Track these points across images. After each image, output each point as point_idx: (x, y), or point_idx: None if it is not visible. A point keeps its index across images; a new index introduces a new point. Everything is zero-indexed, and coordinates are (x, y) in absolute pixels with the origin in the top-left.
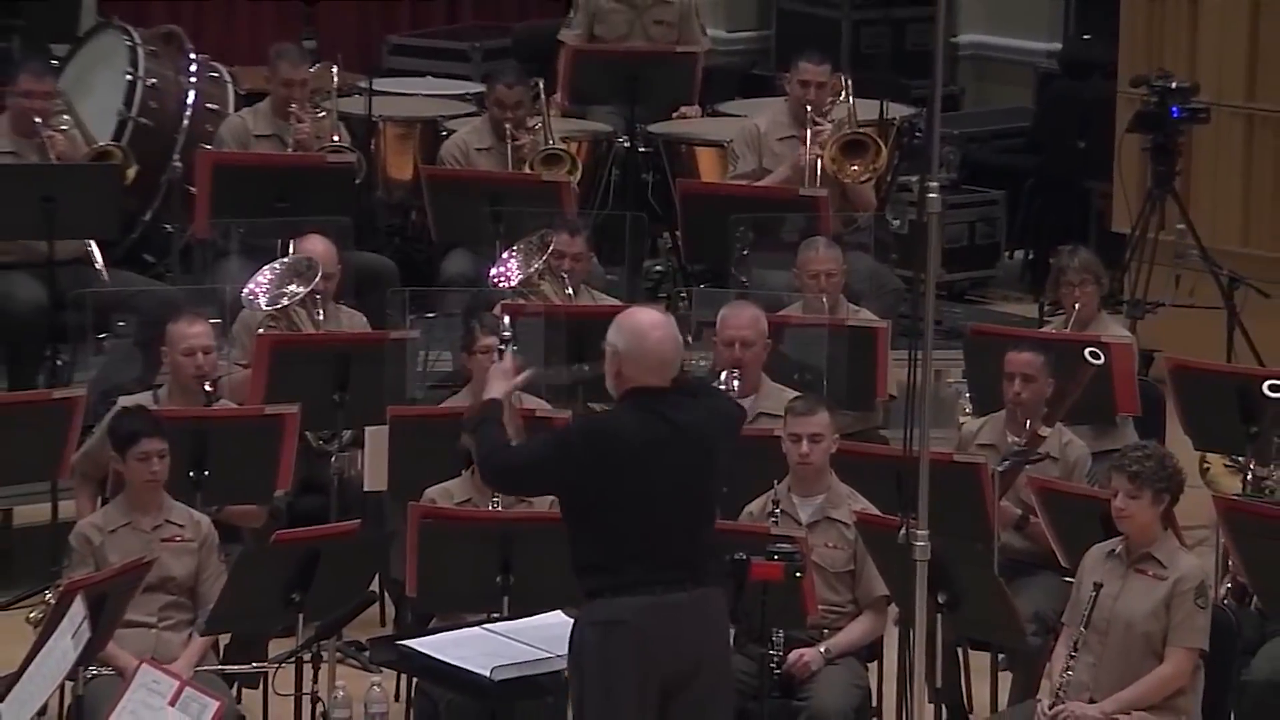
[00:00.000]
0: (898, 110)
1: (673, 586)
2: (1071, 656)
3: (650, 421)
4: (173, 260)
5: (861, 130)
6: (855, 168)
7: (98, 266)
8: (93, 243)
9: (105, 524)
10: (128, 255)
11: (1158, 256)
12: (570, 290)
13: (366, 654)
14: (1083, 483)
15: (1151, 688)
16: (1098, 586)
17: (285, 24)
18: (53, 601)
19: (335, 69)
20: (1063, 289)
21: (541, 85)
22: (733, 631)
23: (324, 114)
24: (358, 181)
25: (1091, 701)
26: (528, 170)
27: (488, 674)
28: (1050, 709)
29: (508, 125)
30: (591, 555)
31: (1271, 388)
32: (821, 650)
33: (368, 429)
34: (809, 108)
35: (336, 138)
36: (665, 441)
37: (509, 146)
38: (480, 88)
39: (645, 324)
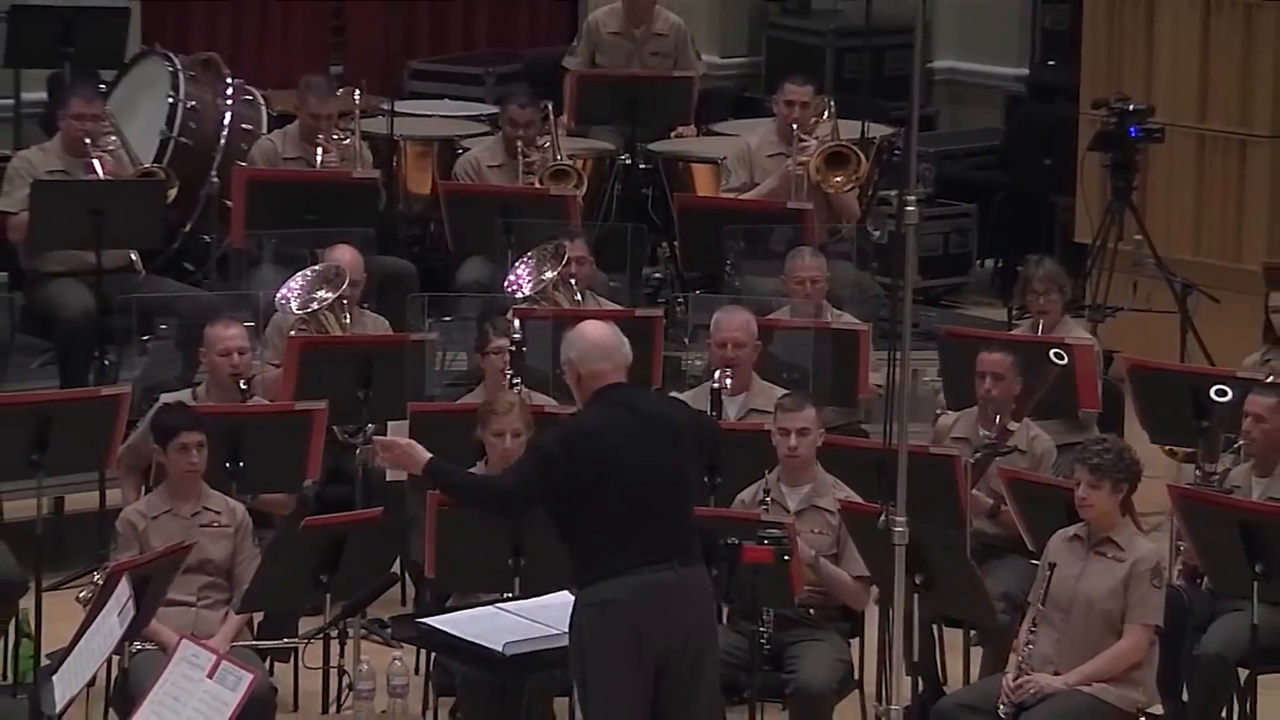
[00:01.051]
0: (878, 130)
1: (659, 566)
2: (1031, 631)
3: (617, 414)
4: (210, 268)
5: (843, 142)
6: (839, 178)
7: (139, 272)
8: (134, 252)
9: (148, 511)
10: (169, 264)
11: (1117, 265)
12: (578, 296)
13: (389, 631)
14: (1048, 473)
15: (1111, 661)
16: (1052, 566)
17: (315, 51)
18: (100, 582)
19: (358, 93)
20: (1029, 296)
21: (550, 107)
22: (725, 609)
23: (348, 139)
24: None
25: (1056, 674)
26: (537, 185)
27: (500, 649)
28: (1015, 680)
29: (519, 143)
30: (583, 546)
31: (1219, 392)
32: (812, 553)
33: (390, 423)
34: (795, 125)
35: (360, 167)
36: (634, 429)
37: (519, 163)
38: (493, 109)
39: (585, 327)
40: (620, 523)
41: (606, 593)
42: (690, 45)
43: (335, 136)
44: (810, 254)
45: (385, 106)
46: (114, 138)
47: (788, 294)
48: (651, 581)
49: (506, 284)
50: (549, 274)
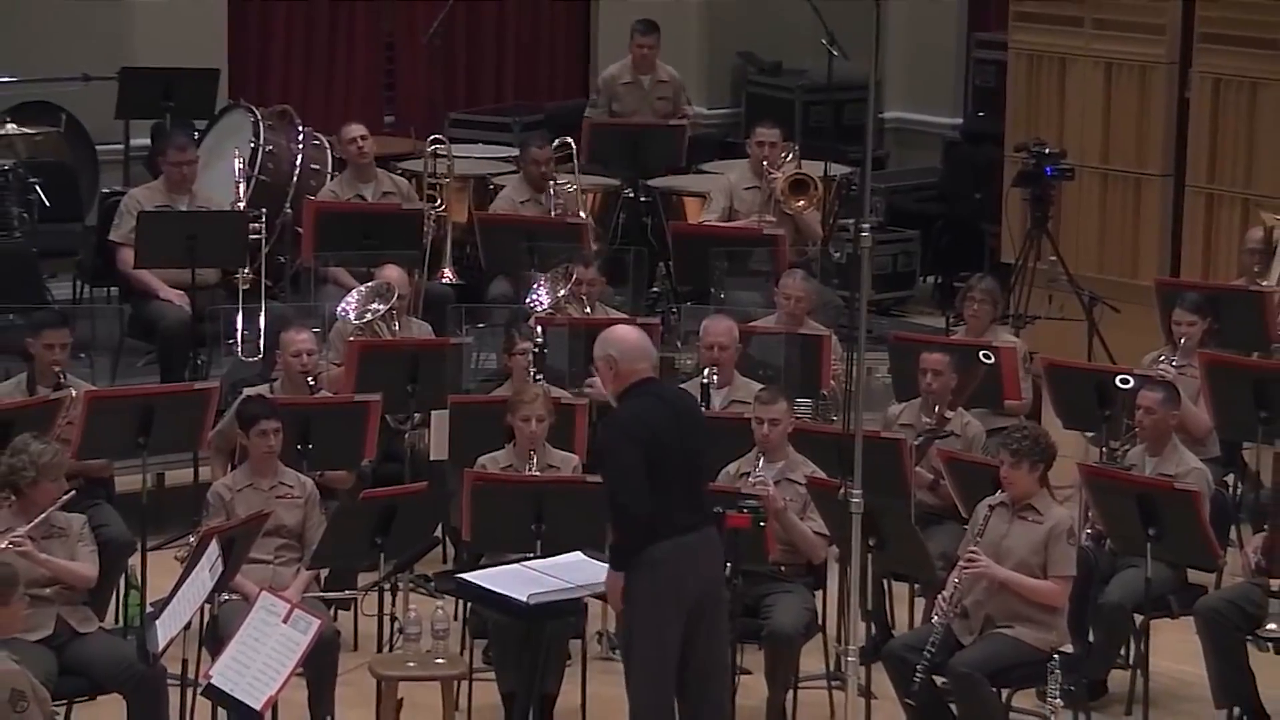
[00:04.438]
0: (838, 169)
1: (689, 530)
2: (958, 580)
3: (651, 403)
4: (285, 284)
5: (803, 171)
6: (800, 202)
7: (244, 288)
8: (246, 270)
9: (234, 484)
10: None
11: (1035, 281)
12: (588, 308)
13: (432, 584)
14: (979, 454)
15: (1037, 587)
16: (992, 507)
17: (372, 103)
18: (194, 543)
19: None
20: (966, 302)
21: (574, 145)
22: None
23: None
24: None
25: (987, 619)
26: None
27: (525, 599)
28: (965, 561)
29: (543, 178)
30: None
31: (1122, 381)
32: (782, 504)
33: (433, 412)
34: (765, 162)
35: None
36: (668, 416)
37: (547, 195)
38: (518, 152)
39: (622, 330)
40: (670, 494)
41: (657, 554)
42: (684, 93)
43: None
44: (802, 277)
45: (428, 150)
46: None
47: (778, 305)
48: (687, 544)
49: (529, 300)
50: (561, 292)
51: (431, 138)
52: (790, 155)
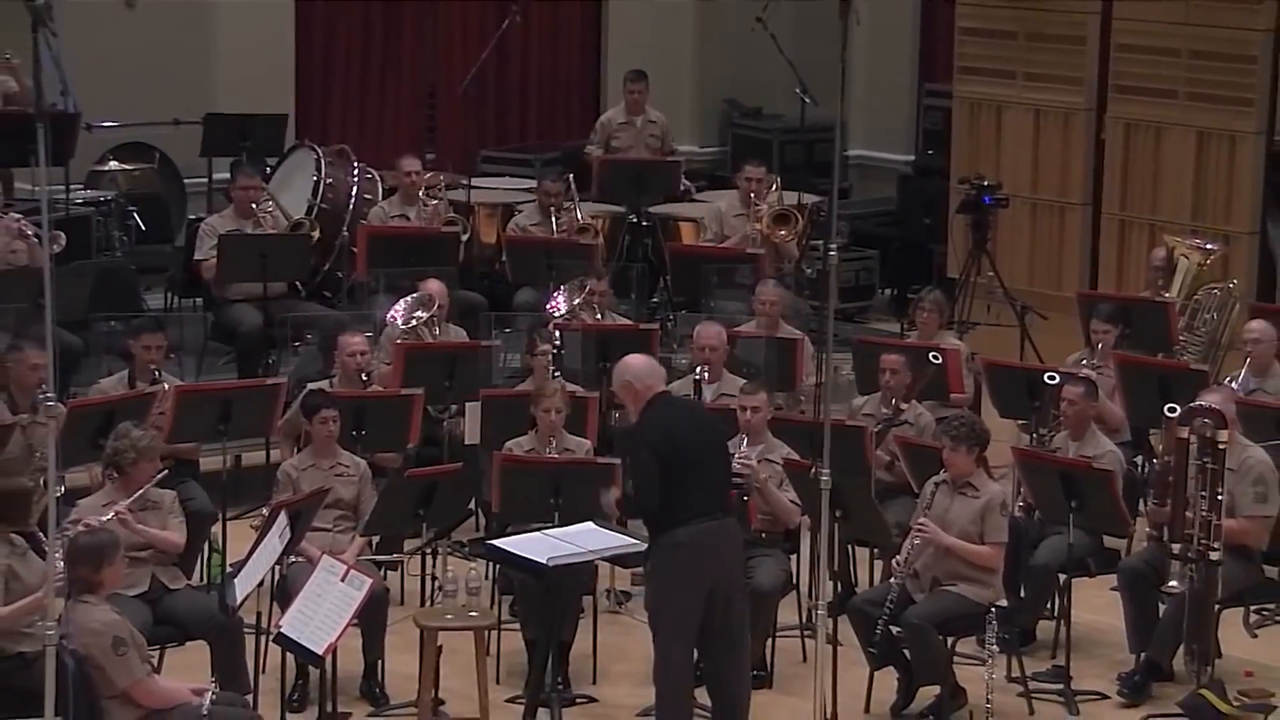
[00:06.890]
0: (809, 198)
1: (710, 517)
2: (914, 543)
3: (668, 413)
4: (342, 295)
5: (786, 206)
6: (783, 233)
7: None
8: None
9: (299, 465)
10: (313, 292)
11: (976, 293)
12: (599, 315)
13: (467, 549)
14: (928, 439)
15: (977, 552)
16: (937, 484)
17: (417, 143)
18: (266, 514)
19: (442, 177)
20: (918, 311)
21: (572, 178)
22: None
23: (435, 202)
24: (464, 240)
25: (935, 579)
26: (568, 236)
27: (545, 561)
28: (917, 529)
29: (551, 206)
30: (660, 504)
31: (1049, 377)
32: (763, 479)
33: (467, 404)
34: (752, 195)
35: (453, 213)
36: (689, 421)
37: (552, 220)
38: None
39: (633, 359)
40: (687, 487)
41: (678, 538)
42: (670, 134)
43: (434, 202)
44: (773, 285)
45: (465, 182)
46: (270, 204)
47: (754, 312)
48: (708, 529)
49: (548, 306)
50: (576, 301)
51: (430, 173)
52: (774, 187)
